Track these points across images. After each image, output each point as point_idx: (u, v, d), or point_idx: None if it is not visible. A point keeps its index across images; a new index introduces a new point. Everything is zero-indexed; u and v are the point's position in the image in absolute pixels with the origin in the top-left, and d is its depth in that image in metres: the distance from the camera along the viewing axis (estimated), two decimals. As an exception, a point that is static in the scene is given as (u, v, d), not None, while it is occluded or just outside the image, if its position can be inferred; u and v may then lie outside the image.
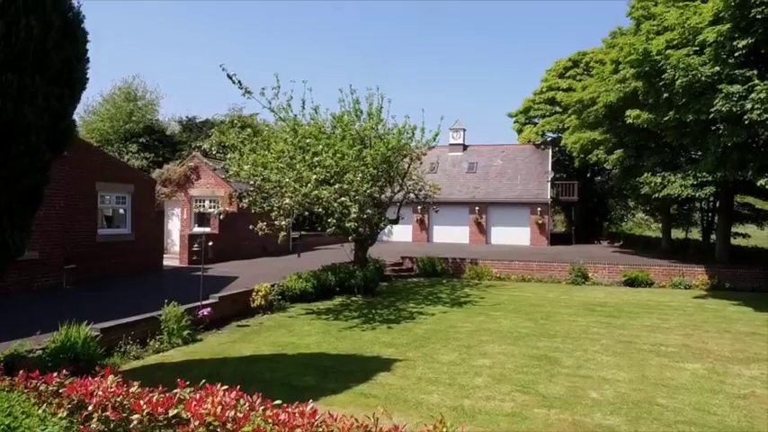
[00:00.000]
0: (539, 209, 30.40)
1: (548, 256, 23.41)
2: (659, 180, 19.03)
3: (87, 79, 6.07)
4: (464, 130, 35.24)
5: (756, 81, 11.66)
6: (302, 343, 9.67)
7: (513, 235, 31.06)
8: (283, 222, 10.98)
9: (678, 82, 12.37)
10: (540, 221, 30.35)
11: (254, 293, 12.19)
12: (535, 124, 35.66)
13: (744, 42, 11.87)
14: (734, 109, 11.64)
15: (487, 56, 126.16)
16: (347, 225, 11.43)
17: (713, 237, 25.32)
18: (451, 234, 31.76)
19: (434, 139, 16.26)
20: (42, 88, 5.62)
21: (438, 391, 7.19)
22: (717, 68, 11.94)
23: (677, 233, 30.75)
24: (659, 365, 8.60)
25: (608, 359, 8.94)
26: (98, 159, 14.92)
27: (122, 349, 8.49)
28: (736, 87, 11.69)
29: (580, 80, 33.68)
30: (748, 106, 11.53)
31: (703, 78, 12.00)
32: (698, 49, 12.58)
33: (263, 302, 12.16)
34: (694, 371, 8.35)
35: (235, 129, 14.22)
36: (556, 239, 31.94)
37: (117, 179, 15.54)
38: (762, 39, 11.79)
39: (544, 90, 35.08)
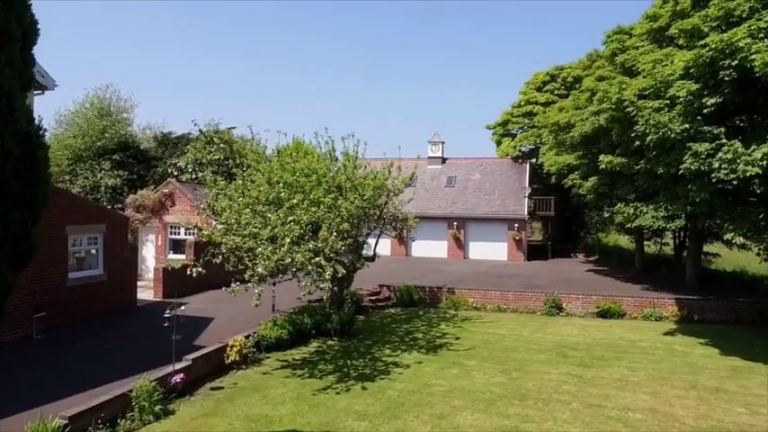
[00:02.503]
0: (516, 224, 30.73)
1: (524, 278, 23.75)
2: (632, 211, 19.43)
3: (48, 197, 5.91)
4: (443, 142, 35.34)
5: (724, 140, 11.90)
6: (275, 415, 9.66)
7: (490, 250, 31.37)
8: (257, 290, 10.92)
9: (649, 138, 12.58)
10: (518, 237, 30.68)
11: (228, 349, 12.12)
12: (513, 137, 35.93)
13: (713, 101, 12.09)
14: (702, 168, 11.88)
15: (472, 60, 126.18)
16: (322, 286, 11.39)
17: (685, 253, 25.86)
18: (430, 248, 31.89)
19: (411, 179, 16.34)
20: (2, 217, 5.49)
21: (408, 488, 7.26)
22: (686, 125, 12.15)
23: (651, 246, 31.31)
24: (625, 441, 8.81)
25: (576, 432, 9.12)
26: (67, 202, 14.62)
27: (91, 435, 8.39)
28: (705, 146, 11.91)
29: (557, 95, 34.04)
30: (716, 165, 11.78)
31: (673, 135, 12.20)
32: (669, 102, 12.77)
33: (237, 358, 12.11)
34: (659, 449, 8.57)
35: (210, 177, 13.93)
36: (533, 252, 32.30)
37: (88, 220, 15.26)
38: (729, 99, 12.05)
39: (522, 103, 35.33)
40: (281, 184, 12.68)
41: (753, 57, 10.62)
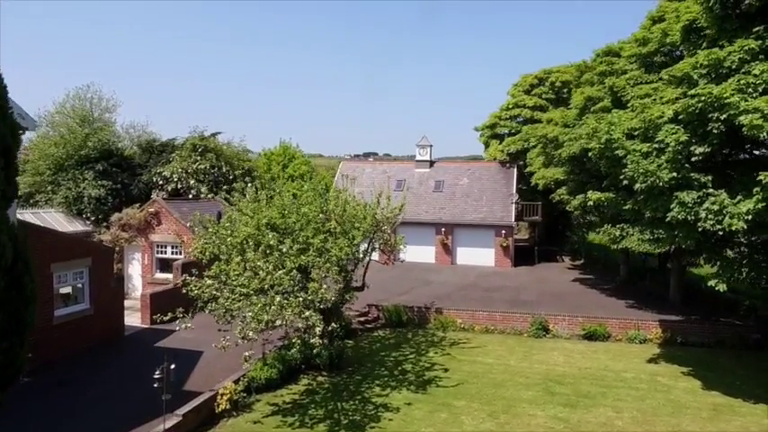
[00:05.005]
0: (503, 231, 30.89)
1: (511, 292, 23.99)
2: (618, 233, 19.62)
3: (35, 316, 5.82)
4: (431, 146, 35.19)
5: (711, 190, 12.02)
6: (267, 480, 9.73)
7: (478, 255, 31.55)
8: (246, 353, 10.89)
9: (637, 185, 12.67)
10: (505, 244, 30.87)
11: (218, 397, 12.13)
12: (501, 139, 35.91)
13: (701, 149, 12.17)
14: (688, 217, 12.01)
15: (468, 57, 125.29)
16: (311, 341, 11.40)
17: (669, 264, 26.21)
18: (418, 254, 31.86)
19: (400, 210, 16.30)
20: (-11, 350, 5.40)
21: None
22: (674, 174, 12.23)
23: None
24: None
25: (563, 496, 9.32)
26: (51, 241, 14.39)
27: None
28: (692, 195, 12.02)
29: (545, 98, 34.02)
30: (702, 215, 11.90)
31: (661, 184, 12.29)
32: (657, 147, 12.83)
33: (228, 406, 12.13)
34: None
35: (197, 227, 13.68)
36: (519, 255, 32.34)
37: (72, 256, 15.05)
38: (717, 149, 12.14)
39: (510, 106, 35.27)
40: (270, 234, 12.51)
41: (741, 118, 10.68)
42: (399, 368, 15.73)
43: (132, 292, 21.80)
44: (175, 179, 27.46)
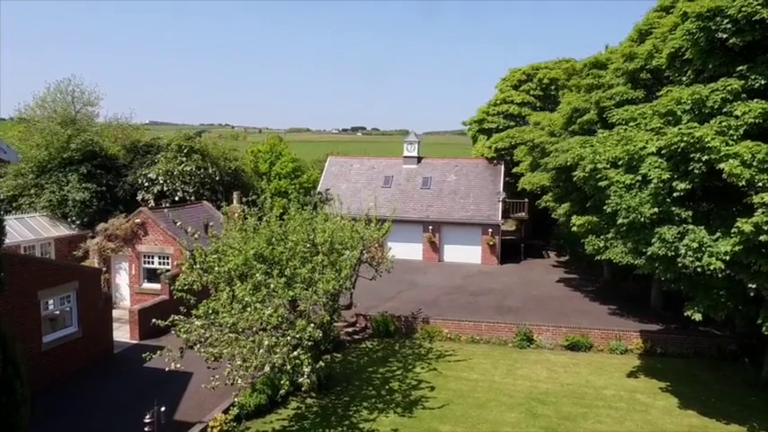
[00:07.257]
0: (490, 230, 31.17)
1: (497, 296, 24.39)
2: (602, 244, 19.95)
3: (27, 418, 5.89)
4: (418, 142, 35.15)
5: (691, 226, 12.26)
6: None
7: (464, 253, 31.90)
8: (236, 399, 11.05)
9: (620, 221, 12.89)
10: (491, 242, 31.18)
11: (208, 429, 12.35)
12: (489, 134, 35.90)
13: (682, 186, 12.34)
14: (669, 253, 12.26)
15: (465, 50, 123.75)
16: (300, 380, 11.59)
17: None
18: (406, 251, 32.07)
19: (388, 230, 16.43)
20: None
21: None
22: (656, 209, 12.45)
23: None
24: None
25: None
26: (37, 268, 14.33)
27: None
28: (672, 231, 12.26)
29: (533, 95, 34.00)
30: (682, 251, 12.16)
31: (643, 219, 12.51)
32: (640, 179, 13.01)
33: (218, 438, 12.37)
34: None
35: (187, 262, 13.58)
36: (506, 251, 32.70)
37: (59, 281, 15.02)
38: (698, 186, 12.34)
39: (498, 102, 35.18)
40: (258, 266, 12.55)
41: (721, 165, 10.86)
42: (387, 386, 16.05)
43: (120, 302, 21.83)
44: (161, 181, 27.24)
